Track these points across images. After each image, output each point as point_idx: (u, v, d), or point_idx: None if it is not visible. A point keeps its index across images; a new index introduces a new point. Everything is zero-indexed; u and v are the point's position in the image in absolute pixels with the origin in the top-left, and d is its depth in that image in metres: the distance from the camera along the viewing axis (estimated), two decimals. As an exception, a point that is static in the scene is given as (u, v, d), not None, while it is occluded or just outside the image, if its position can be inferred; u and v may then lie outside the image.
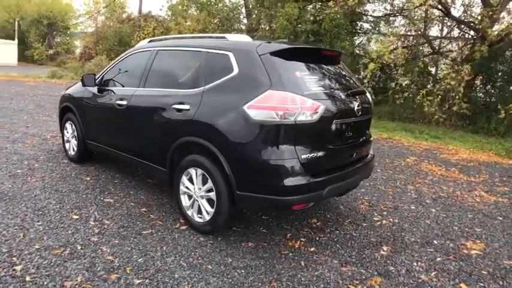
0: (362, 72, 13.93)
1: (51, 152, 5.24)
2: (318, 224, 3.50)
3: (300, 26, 15.21)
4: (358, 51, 15.46)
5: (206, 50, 3.13)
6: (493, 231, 3.60)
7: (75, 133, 4.64)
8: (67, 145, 4.91)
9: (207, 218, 2.98)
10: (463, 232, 3.56)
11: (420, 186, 4.94)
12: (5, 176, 4.14)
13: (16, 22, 32.14)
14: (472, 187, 5.07)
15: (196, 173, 3.01)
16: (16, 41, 30.82)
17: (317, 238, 3.18)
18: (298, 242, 3.09)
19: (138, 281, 2.42)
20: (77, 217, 3.31)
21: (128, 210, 3.51)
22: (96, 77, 4.22)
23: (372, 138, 3.57)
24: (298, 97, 2.54)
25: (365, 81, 11.98)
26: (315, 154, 2.64)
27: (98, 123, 4.24)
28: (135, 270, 2.54)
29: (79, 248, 2.80)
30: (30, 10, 33.77)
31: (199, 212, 3.06)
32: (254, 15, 20.05)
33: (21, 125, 6.85)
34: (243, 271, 2.59)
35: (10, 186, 3.87)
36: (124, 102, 3.70)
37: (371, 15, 16.48)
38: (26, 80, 16.52)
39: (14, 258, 2.57)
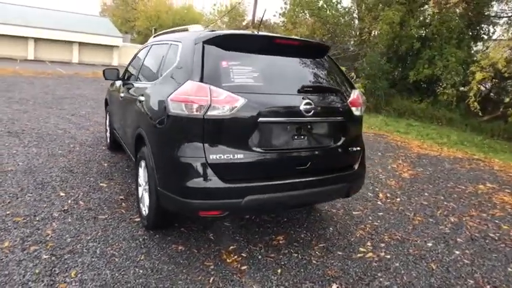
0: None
1: (101, 139, 5.91)
2: (281, 241, 3.03)
3: (403, 30, 13.67)
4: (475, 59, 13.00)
5: (170, 42, 3.06)
6: (528, 298, 2.54)
7: (109, 123, 5.13)
8: (107, 134, 5.46)
9: (147, 212, 2.89)
10: (477, 289, 2.61)
11: (467, 220, 3.84)
12: (45, 154, 4.84)
13: (153, 30, 37.73)
14: (551, 234, 3.69)
15: (143, 165, 2.96)
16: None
17: (260, 257, 2.75)
18: (236, 256, 2.73)
19: (46, 257, 2.50)
20: (63, 195, 3.62)
21: (108, 196, 3.68)
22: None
23: (356, 148, 2.89)
24: (209, 88, 2.23)
25: (471, 93, 10.02)
26: (230, 155, 2.27)
27: (115, 114, 4.59)
28: (54, 247, 2.63)
29: (37, 219, 3.05)
30: (167, 19, 39.28)
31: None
32: (365, 20, 18.99)
33: (100, 115, 7.92)
34: (141, 271, 2.41)
35: (40, 162, 4.49)
36: (122, 95, 3.91)
37: (498, 16, 13.74)
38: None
39: (-21, 219, 2.96)
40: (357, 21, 20.83)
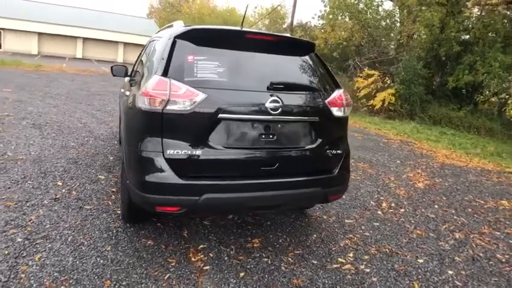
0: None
1: (116, 134, 6.12)
2: (256, 245, 2.94)
3: (443, 33, 12.89)
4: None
5: (157, 38, 3.09)
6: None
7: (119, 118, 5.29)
8: (119, 129, 5.65)
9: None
10: (459, 314, 2.35)
11: (475, 238, 3.51)
12: (58, 145, 5.09)
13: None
14: None
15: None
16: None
17: (227, 258, 2.67)
18: (202, 255, 2.67)
19: (20, 240, 2.61)
20: (61, 184, 3.77)
21: (102, 188, 3.78)
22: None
23: (336, 151, 2.70)
24: (169, 83, 2.20)
25: (509, 101, 9.21)
26: (188, 151, 2.23)
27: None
28: (31, 231, 2.74)
29: (27, 205, 3.20)
30: (210, 21, 40.16)
31: (127, 198, 3.03)
32: (405, 23, 18.28)
33: (123, 111, 8.28)
34: (102, 261, 2.45)
35: (51, 153, 4.73)
36: (122, 90, 4.02)
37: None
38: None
39: (-24, 202, 3.17)
40: (398, 25, 20.06)
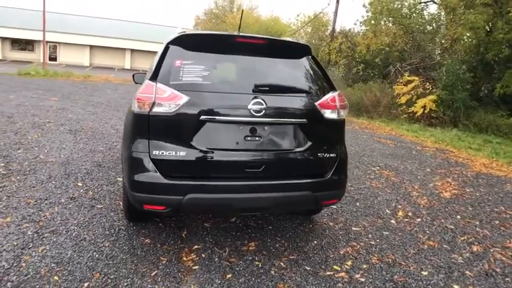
0: None
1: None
2: (251, 248, 2.94)
3: (490, 35, 12.04)
4: None
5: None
6: None
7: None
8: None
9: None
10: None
11: (495, 252, 3.24)
12: (88, 149, 5.45)
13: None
14: None
15: (127, 160, 3.17)
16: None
17: (217, 259, 2.70)
18: (194, 256, 2.73)
19: (30, 233, 2.84)
20: (80, 185, 4.04)
21: (117, 189, 3.99)
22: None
23: (329, 155, 2.63)
24: (155, 86, 2.30)
25: None
26: (172, 152, 2.30)
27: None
28: (42, 226, 2.97)
29: (45, 203, 3.46)
30: (253, 30, 40.79)
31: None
32: (448, 27, 17.38)
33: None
34: (97, 256, 2.59)
35: (79, 156, 5.08)
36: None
37: None
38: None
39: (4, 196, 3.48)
40: (443, 28, 19.10)
